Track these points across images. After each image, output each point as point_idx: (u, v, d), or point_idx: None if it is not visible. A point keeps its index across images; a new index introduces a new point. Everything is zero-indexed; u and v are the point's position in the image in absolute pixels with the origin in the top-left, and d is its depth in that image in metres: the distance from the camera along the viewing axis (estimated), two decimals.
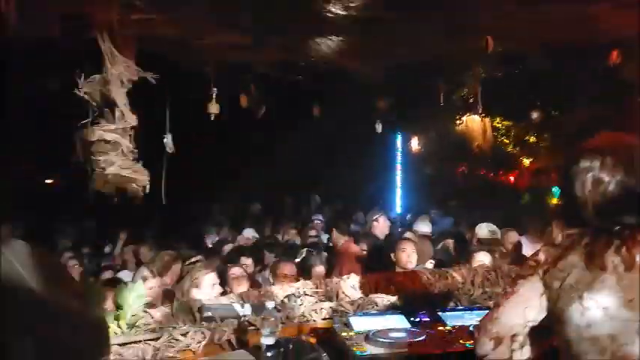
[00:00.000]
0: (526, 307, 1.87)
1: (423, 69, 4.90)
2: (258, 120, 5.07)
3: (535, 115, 7.43)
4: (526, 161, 15.13)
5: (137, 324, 3.19)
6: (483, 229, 6.83)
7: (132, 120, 3.29)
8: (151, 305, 3.57)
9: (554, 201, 13.28)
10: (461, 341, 2.68)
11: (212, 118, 4.13)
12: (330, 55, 4.56)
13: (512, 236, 6.53)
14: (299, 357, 2.54)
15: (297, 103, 5.36)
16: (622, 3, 3.77)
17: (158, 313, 3.42)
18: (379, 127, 5.99)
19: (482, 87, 8.34)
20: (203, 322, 3.30)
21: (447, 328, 2.93)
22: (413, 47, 4.45)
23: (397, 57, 4.65)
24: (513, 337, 1.89)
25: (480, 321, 2.01)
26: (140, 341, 2.97)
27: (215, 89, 3.96)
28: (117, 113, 3.17)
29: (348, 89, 5.17)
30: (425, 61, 4.87)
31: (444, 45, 4.19)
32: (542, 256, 1.89)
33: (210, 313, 3.47)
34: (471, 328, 2.86)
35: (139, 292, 3.26)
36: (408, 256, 5.45)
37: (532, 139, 14.72)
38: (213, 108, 4.06)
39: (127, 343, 2.92)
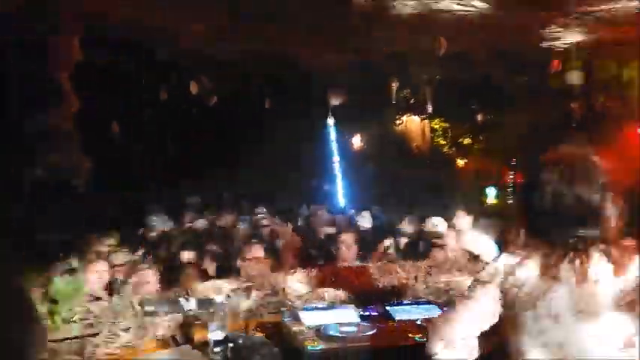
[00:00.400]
0: (481, 313, 1.93)
1: (376, 67, 4.95)
2: (209, 110, 4.94)
3: (479, 117, 7.69)
4: (460, 162, 15.69)
5: (74, 319, 3.02)
6: (431, 223, 7.00)
7: (75, 104, 3.09)
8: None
9: (486, 200, 13.86)
10: (410, 335, 2.71)
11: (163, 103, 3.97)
12: (285, 47, 4.51)
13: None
14: (249, 352, 2.48)
15: (249, 93, 5.27)
16: (568, 14, 3.97)
17: (96, 307, 3.26)
18: (331, 121, 6.00)
19: (423, 89, 8.56)
20: (146, 317, 3.17)
21: (396, 322, 2.95)
22: (369, 44, 4.50)
23: (351, 53, 4.67)
24: (470, 342, 1.94)
25: (434, 320, 2.04)
26: (78, 337, 2.81)
27: (172, 74, 3.80)
28: (60, 97, 2.97)
29: (302, 83, 5.14)
30: (378, 59, 4.92)
31: (397, 44, 4.24)
32: (501, 265, 1.93)
33: (152, 308, 3.35)
34: (418, 322, 2.92)
35: (76, 285, 3.08)
36: (348, 250, 5.50)
37: (467, 140, 15.29)
38: (165, 94, 3.91)
39: (63, 339, 2.75)
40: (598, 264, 1.83)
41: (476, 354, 1.97)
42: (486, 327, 1.94)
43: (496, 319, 1.93)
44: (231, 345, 2.68)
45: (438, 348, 1.92)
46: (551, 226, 1.89)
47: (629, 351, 1.81)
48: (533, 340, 1.85)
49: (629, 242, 1.89)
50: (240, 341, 2.59)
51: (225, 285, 3.82)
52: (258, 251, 5.22)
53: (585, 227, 1.86)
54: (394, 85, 5.78)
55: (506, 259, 1.93)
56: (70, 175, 3.11)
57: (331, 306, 3.35)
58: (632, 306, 1.80)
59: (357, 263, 5.36)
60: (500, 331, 1.95)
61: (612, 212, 1.88)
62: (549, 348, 1.83)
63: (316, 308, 3.25)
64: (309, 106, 6.93)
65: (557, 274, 1.82)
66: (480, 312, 1.93)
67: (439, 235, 6.77)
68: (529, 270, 1.86)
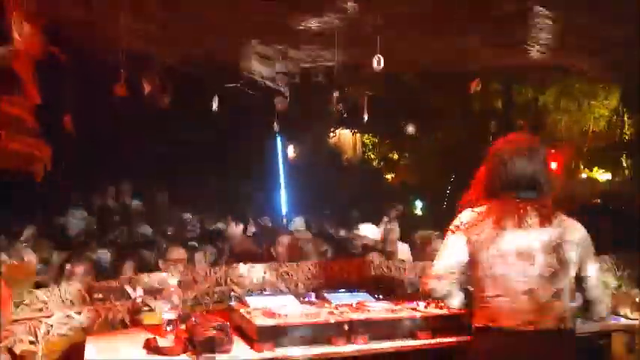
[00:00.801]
0: (455, 250, 2.63)
1: (315, 77, 5.31)
2: (158, 113, 5.07)
3: (410, 129, 8.24)
4: (388, 176, 16.41)
5: (25, 302, 3.10)
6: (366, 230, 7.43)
7: (36, 97, 3.18)
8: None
9: (415, 211, 14.59)
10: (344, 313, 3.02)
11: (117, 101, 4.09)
12: (231, 55, 4.76)
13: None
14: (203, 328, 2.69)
15: (194, 99, 5.45)
16: (489, 41, 4.52)
17: (43, 294, 3.34)
18: (276, 127, 6.28)
19: (355, 104, 9.02)
20: (97, 303, 3.30)
21: (332, 305, 3.27)
22: (314, 55, 4.85)
23: (295, 62, 5.00)
24: (451, 274, 2.63)
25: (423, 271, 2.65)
26: (32, 319, 2.92)
27: (122, 71, 3.93)
28: (21, 89, 3.05)
29: (246, 91, 5.39)
30: (321, 71, 5.28)
31: (340, 58, 4.64)
32: (464, 219, 2.64)
33: (100, 295, 3.48)
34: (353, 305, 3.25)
35: (26, 271, 3.17)
36: (284, 250, 5.73)
37: (395, 156, 16.04)
38: (121, 90, 4.03)
39: (17, 320, 2.85)
40: (532, 218, 2.53)
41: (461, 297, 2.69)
42: (463, 263, 2.62)
43: (467, 258, 2.61)
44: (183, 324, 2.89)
45: (433, 283, 2.65)
46: (500, 187, 2.61)
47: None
48: (486, 273, 2.54)
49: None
50: (194, 319, 2.80)
51: (170, 276, 3.99)
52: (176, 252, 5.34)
53: (524, 190, 2.58)
54: (332, 98, 6.18)
55: (470, 216, 2.63)
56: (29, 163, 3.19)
57: (273, 293, 3.63)
58: (556, 249, 2.50)
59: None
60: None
61: (545, 181, 2.61)
62: (497, 278, 2.52)
63: (260, 294, 3.51)
64: (254, 114, 7.18)
65: (504, 225, 2.52)
66: (454, 250, 2.63)
67: (369, 240, 7.23)
68: (486, 223, 2.56)
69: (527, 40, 4.35)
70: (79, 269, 4.38)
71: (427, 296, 2.92)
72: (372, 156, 16.55)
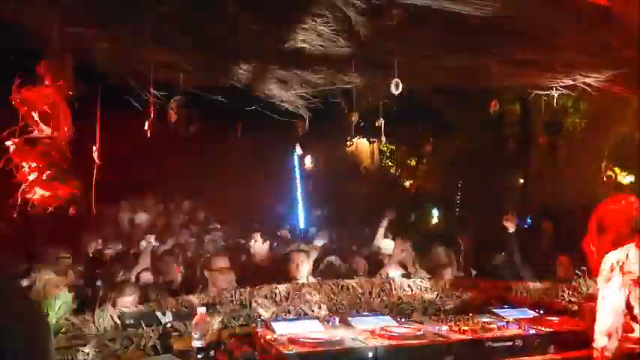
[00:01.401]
0: (621, 304, 2.71)
1: (332, 96, 5.42)
2: (181, 138, 5.23)
3: (427, 145, 8.29)
4: (407, 182, 16.41)
5: (62, 331, 3.25)
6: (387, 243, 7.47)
7: (67, 134, 3.33)
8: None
9: (432, 221, 14.58)
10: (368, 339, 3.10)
11: (148, 135, 4.25)
12: (250, 80, 4.89)
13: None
14: (232, 357, 2.80)
15: (217, 124, 5.60)
16: (506, 60, 4.59)
17: (78, 320, 3.48)
18: (299, 149, 6.38)
19: (375, 114, 9.10)
20: (128, 329, 3.43)
21: (357, 330, 3.35)
22: (329, 78, 4.96)
23: (313, 85, 5.12)
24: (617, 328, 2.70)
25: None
26: (69, 347, 3.05)
27: (152, 109, 4.08)
28: (51, 124, 3.20)
29: (266, 113, 5.52)
30: (335, 89, 5.39)
31: (356, 78, 4.74)
32: (614, 258, 2.79)
33: (131, 321, 3.60)
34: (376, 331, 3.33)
35: (64, 299, 3.31)
36: (296, 267, 5.75)
37: (413, 162, 16.04)
38: (151, 126, 4.19)
39: (56, 349, 2.98)
40: None
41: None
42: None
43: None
44: (212, 352, 3.00)
45: (603, 341, 2.66)
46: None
47: None
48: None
49: None
50: (222, 347, 2.91)
51: (195, 300, 4.11)
52: (222, 261, 5.41)
53: None
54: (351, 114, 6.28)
55: (615, 255, 2.79)
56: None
57: (298, 317, 3.72)
58: None
59: (312, 279, 5.71)
60: None
61: None
62: None
63: (285, 319, 3.61)
64: (278, 134, 7.32)
65: None
66: (621, 304, 2.72)
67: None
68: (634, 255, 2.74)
69: (542, 59, 4.41)
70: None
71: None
72: (390, 163, 16.57)
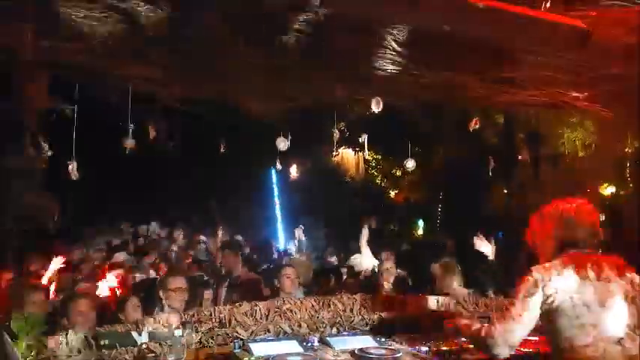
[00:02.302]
0: (533, 318, 2.64)
1: (316, 111, 5.41)
2: (162, 152, 5.17)
3: (410, 164, 8.31)
4: (392, 193, 16.45)
5: (33, 353, 3.17)
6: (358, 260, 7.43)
7: (46, 149, 3.26)
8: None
9: (417, 231, 14.62)
10: None
11: (127, 152, 4.18)
12: (235, 95, 4.86)
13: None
14: None
15: (200, 139, 5.55)
16: (487, 78, 4.64)
17: (52, 341, 3.40)
18: (279, 165, 6.36)
19: (361, 125, 9.12)
20: (104, 350, 3.36)
21: (335, 352, 3.32)
22: (314, 93, 4.96)
23: (296, 100, 5.10)
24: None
25: (493, 330, 2.66)
26: None
27: (132, 125, 4.03)
28: (31, 141, 3.14)
29: (249, 127, 5.49)
30: (319, 105, 5.38)
31: (339, 93, 4.74)
32: (539, 276, 2.66)
33: (107, 341, 3.53)
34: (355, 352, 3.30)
35: (36, 321, 3.23)
36: (291, 282, 5.72)
37: (398, 172, 16.09)
38: (130, 142, 4.11)
39: None
40: (608, 270, 2.66)
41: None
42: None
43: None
44: None
45: (505, 352, 2.65)
46: (572, 246, 2.74)
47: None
48: (573, 323, 2.58)
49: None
50: None
51: (174, 319, 4.04)
52: (179, 281, 5.30)
53: (591, 247, 2.75)
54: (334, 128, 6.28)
55: (544, 270, 2.67)
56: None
57: (276, 338, 3.67)
58: (634, 301, 2.62)
59: (299, 294, 5.66)
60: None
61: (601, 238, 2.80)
62: (585, 327, 2.57)
63: (263, 340, 3.56)
64: (261, 148, 7.29)
65: (585, 275, 2.61)
66: (533, 318, 2.66)
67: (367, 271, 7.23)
68: (565, 274, 2.63)
69: (519, 78, 4.45)
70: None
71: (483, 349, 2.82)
72: (376, 173, 16.60)
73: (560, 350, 2.65)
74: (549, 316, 2.64)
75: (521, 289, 2.67)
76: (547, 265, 2.71)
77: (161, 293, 5.19)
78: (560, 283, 2.61)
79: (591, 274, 2.61)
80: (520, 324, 2.62)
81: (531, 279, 2.66)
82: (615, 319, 2.57)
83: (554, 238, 2.78)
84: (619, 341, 2.54)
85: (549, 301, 2.61)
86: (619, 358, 2.53)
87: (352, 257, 7.64)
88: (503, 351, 2.64)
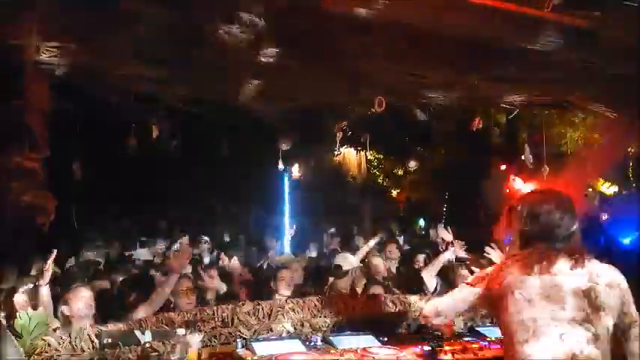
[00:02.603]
0: (463, 304, 2.78)
1: (318, 111, 5.40)
2: (165, 152, 5.16)
3: (412, 163, 8.29)
4: (394, 192, 16.44)
5: (36, 352, 3.17)
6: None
7: (46, 150, 3.26)
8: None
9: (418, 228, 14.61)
10: None
11: (130, 151, 4.17)
12: (237, 95, 4.86)
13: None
14: None
15: (202, 139, 5.55)
16: (491, 77, 4.63)
17: (54, 340, 3.40)
18: (281, 165, 6.36)
19: (363, 125, 9.11)
20: (106, 350, 3.36)
21: (339, 350, 3.32)
22: (315, 94, 4.96)
23: (298, 100, 5.10)
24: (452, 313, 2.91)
25: (431, 302, 2.94)
26: None
27: (134, 125, 4.02)
28: (32, 141, 3.14)
29: (251, 127, 5.49)
30: (321, 105, 5.37)
31: (341, 94, 4.73)
32: (489, 270, 2.74)
33: (109, 340, 3.53)
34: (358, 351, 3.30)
35: (39, 320, 3.24)
36: (287, 284, 5.69)
37: (400, 172, 16.07)
38: (133, 141, 4.11)
39: None
40: (563, 262, 2.55)
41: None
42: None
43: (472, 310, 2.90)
44: None
45: (430, 318, 2.87)
46: (537, 239, 2.65)
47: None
48: (514, 318, 2.53)
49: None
50: None
51: (177, 317, 4.04)
52: (186, 282, 5.30)
53: (546, 241, 2.64)
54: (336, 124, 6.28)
55: (494, 268, 2.73)
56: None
57: (279, 337, 3.67)
58: (587, 293, 2.48)
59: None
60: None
61: (575, 231, 2.67)
62: (525, 322, 2.50)
63: (266, 339, 3.56)
64: (263, 148, 7.28)
65: (529, 270, 2.56)
66: (463, 304, 2.79)
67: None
68: (511, 270, 2.61)
69: (522, 77, 4.44)
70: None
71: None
72: (378, 173, 16.57)
73: (506, 345, 2.61)
74: (496, 310, 2.66)
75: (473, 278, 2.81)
76: (504, 258, 2.78)
77: (171, 296, 5.19)
78: (503, 281, 2.59)
79: (536, 268, 2.54)
80: (450, 296, 2.84)
81: (482, 273, 2.78)
82: (559, 314, 2.45)
83: (520, 231, 2.72)
84: (560, 337, 2.42)
85: (493, 294, 2.63)
86: (559, 354, 2.40)
87: (341, 255, 7.53)
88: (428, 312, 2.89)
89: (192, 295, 5.11)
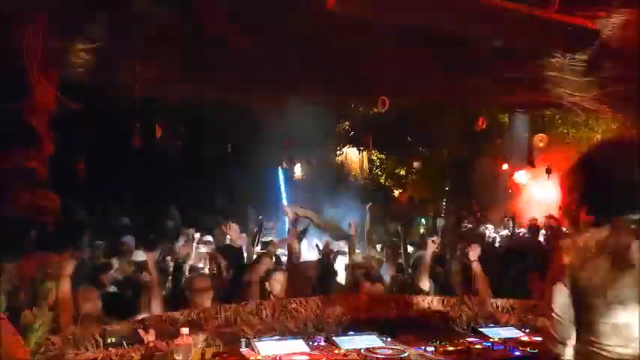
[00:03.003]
0: (570, 311, 2.11)
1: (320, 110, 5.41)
2: (168, 151, 5.17)
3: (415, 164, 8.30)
4: (396, 192, 16.44)
5: (40, 351, 3.17)
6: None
7: (50, 149, 3.27)
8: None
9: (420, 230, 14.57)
10: None
11: (137, 150, 4.19)
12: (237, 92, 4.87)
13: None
14: None
15: (205, 137, 5.55)
16: (499, 78, 4.62)
17: (58, 339, 3.40)
18: (284, 163, 6.36)
19: (365, 125, 9.14)
20: (110, 348, 3.36)
21: (342, 351, 3.32)
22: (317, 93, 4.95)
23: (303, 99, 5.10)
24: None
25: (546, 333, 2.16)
26: None
27: (138, 125, 4.04)
28: (38, 141, 3.15)
29: (253, 126, 5.49)
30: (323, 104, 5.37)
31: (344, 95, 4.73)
32: (567, 260, 2.08)
33: (113, 339, 3.53)
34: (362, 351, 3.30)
35: (43, 318, 3.23)
36: (281, 286, 5.64)
37: (402, 171, 16.07)
38: (137, 140, 4.13)
39: None
40: None
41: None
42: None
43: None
44: None
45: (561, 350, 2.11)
46: (613, 211, 2.00)
47: None
48: (605, 320, 2.04)
49: None
50: None
51: (179, 316, 4.04)
52: (204, 282, 5.29)
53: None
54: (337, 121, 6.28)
55: (574, 254, 2.08)
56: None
57: (282, 337, 3.67)
58: None
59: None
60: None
61: None
62: (619, 327, 2.03)
63: (269, 339, 3.56)
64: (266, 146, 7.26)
65: (621, 264, 1.98)
66: (570, 311, 2.10)
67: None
68: (598, 263, 2.03)
69: (527, 78, 4.43)
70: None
71: None
72: (380, 173, 16.57)
73: (581, 345, 2.12)
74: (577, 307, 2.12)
75: None
76: (579, 241, 2.12)
77: (187, 294, 5.18)
78: (592, 276, 2.05)
79: (629, 260, 1.96)
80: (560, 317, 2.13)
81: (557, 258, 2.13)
82: None
83: (589, 201, 2.06)
84: None
85: (579, 292, 2.08)
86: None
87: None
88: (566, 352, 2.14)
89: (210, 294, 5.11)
